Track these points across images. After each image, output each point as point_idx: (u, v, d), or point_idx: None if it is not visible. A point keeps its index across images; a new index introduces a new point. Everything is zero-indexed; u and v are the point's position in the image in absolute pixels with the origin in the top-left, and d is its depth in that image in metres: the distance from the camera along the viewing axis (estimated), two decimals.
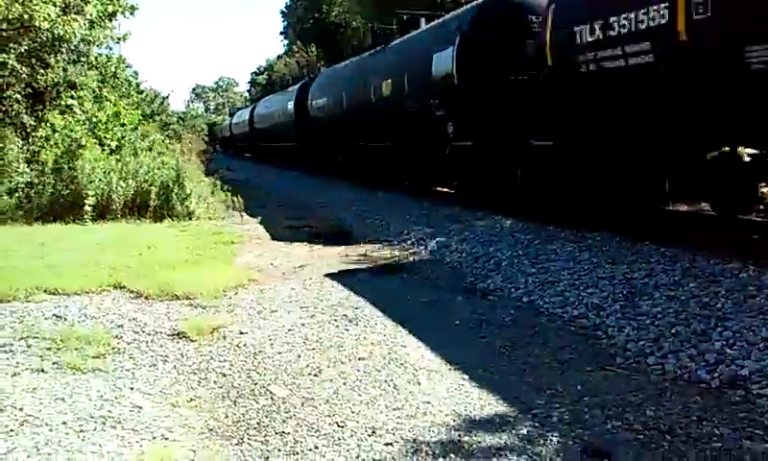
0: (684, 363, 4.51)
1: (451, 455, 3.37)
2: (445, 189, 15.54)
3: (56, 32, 13.02)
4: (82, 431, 3.57)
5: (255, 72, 79.63)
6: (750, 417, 3.74)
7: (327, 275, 7.65)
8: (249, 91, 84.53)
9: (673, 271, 6.20)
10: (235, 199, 14.27)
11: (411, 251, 9.31)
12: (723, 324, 4.88)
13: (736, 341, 4.59)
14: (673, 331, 4.98)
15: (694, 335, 4.83)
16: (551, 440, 3.53)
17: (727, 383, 4.17)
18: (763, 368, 4.18)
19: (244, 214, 13.60)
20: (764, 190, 10.46)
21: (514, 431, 3.64)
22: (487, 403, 4.04)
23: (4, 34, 12.75)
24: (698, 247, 6.70)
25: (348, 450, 3.44)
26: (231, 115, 60.16)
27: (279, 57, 62.60)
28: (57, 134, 13.15)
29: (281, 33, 62.89)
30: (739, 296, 5.31)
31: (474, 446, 3.48)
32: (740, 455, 3.31)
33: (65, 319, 5.58)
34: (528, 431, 3.64)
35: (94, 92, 16.13)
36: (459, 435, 3.60)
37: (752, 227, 7.92)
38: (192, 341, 5.15)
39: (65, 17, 13.24)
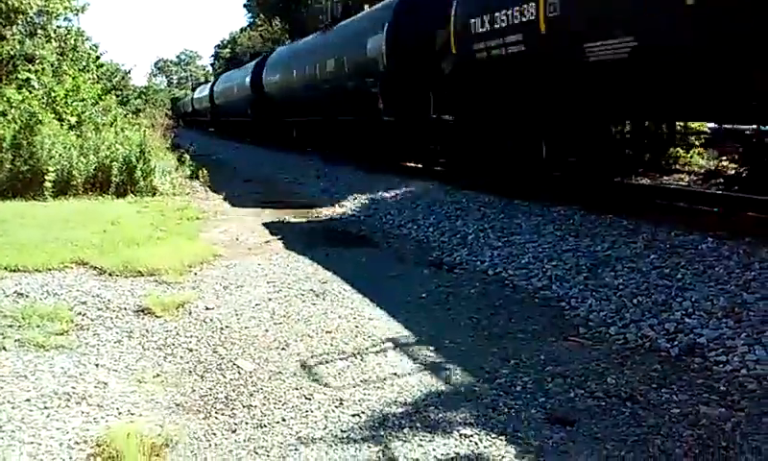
0: (645, 332, 4.61)
1: (417, 425, 3.41)
2: None
3: (11, 2, 12.63)
4: (46, 408, 3.53)
5: (219, 45, 78.44)
6: (707, 384, 3.85)
7: (294, 249, 7.63)
8: (212, 65, 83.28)
9: (635, 243, 6.31)
10: (200, 174, 14.10)
11: (378, 224, 9.32)
12: (683, 294, 4.99)
13: (695, 310, 4.71)
14: (634, 302, 5.09)
15: (655, 305, 4.94)
16: (515, 409, 3.59)
17: (685, 351, 4.28)
18: (720, 336, 4.30)
19: (209, 190, 13.45)
20: (724, 163, 10.72)
21: (479, 401, 3.70)
22: (453, 374, 4.08)
23: None
24: (659, 219, 6.82)
25: (315, 422, 3.46)
26: (210, 83, 47.35)
27: (243, 30, 61.66)
28: (14, 109, 12.79)
29: (245, 5, 61.85)
30: (699, 267, 5.43)
31: (440, 415, 3.52)
32: (697, 420, 3.41)
33: (27, 296, 5.48)
34: (493, 400, 3.70)
35: (53, 66, 15.71)
36: (425, 406, 3.64)
37: (712, 199, 8.09)
38: (157, 317, 5.10)
39: None
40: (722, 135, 8.34)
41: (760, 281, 4.88)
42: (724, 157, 10.39)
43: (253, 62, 29.02)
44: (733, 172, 9.98)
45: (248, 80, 27.81)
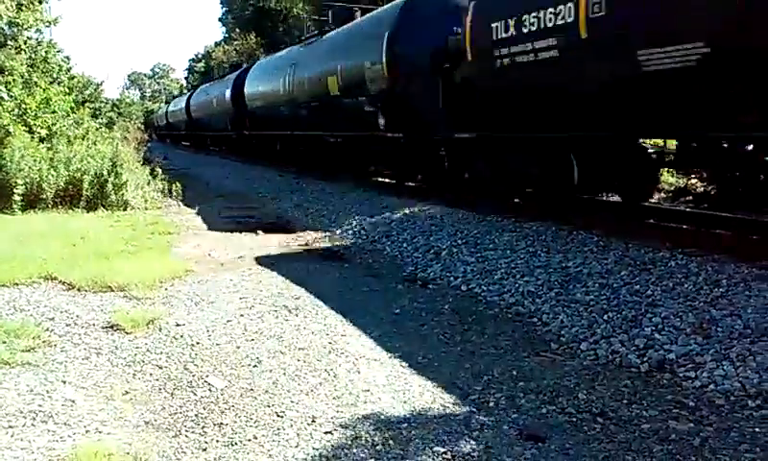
0: (616, 348, 4.66)
1: (390, 442, 3.40)
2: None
3: None
4: (10, 427, 3.46)
5: (193, 59, 78.10)
6: (676, 399, 3.89)
7: (267, 264, 7.58)
8: (186, 78, 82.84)
9: (606, 259, 6.37)
10: (173, 188, 13.98)
11: (352, 240, 9.31)
12: (653, 310, 5.05)
13: (665, 326, 4.76)
14: (605, 318, 5.13)
15: (625, 321, 4.99)
16: (488, 425, 3.60)
17: (655, 367, 4.33)
18: (689, 352, 4.36)
19: (181, 204, 13.34)
20: (693, 181, 10.86)
21: (452, 417, 3.70)
22: (426, 390, 4.08)
23: None
24: (630, 236, 6.90)
25: (287, 440, 3.43)
26: (167, 105, 53.70)
27: (218, 44, 61.36)
28: None
29: (220, 19, 61.76)
30: (668, 283, 5.49)
31: (413, 432, 3.51)
32: (667, 435, 3.44)
33: None
34: (465, 417, 3.70)
35: (23, 77, 15.49)
36: (398, 422, 3.63)
37: (682, 217, 8.20)
38: (127, 333, 5.03)
39: None
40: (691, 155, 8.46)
41: (728, 298, 4.96)
42: (693, 176, 10.52)
43: (188, 93, 42.81)
44: (702, 190, 10.12)
45: (183, 105, 38.74)
